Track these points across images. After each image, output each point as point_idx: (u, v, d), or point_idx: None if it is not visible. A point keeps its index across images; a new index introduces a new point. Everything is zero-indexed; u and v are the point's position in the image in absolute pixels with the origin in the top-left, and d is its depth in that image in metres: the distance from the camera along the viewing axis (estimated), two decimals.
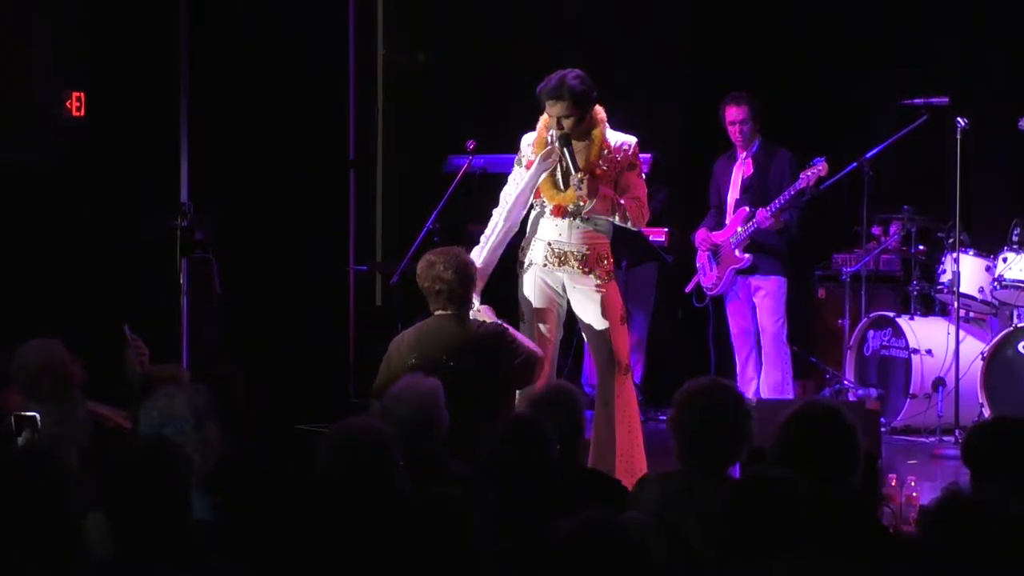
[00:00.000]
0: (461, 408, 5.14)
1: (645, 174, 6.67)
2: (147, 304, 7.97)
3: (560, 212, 6.50)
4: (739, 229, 8.44)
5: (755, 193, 8.46)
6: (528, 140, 6.60)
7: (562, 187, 6.48)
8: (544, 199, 6.53)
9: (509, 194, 6.59)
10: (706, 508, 3.91)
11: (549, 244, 6.53)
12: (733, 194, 8.57)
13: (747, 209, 8.43)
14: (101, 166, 8.45)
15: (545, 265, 6.53)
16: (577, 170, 6.39)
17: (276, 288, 9.05)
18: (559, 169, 6.49)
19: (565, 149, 6.41)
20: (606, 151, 6.46)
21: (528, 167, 6.53)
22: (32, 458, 3.58)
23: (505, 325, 6.12)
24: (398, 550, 3.45)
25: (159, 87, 8.74)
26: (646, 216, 6.60)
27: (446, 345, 5.88)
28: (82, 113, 8.53)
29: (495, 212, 6.62)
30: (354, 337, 9.69)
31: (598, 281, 6.52)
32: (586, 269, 6.51)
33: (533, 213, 6.62)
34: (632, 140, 6.53)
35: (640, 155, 6.63)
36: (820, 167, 8.25)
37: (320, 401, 8.37)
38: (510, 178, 6.65)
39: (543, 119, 6.52)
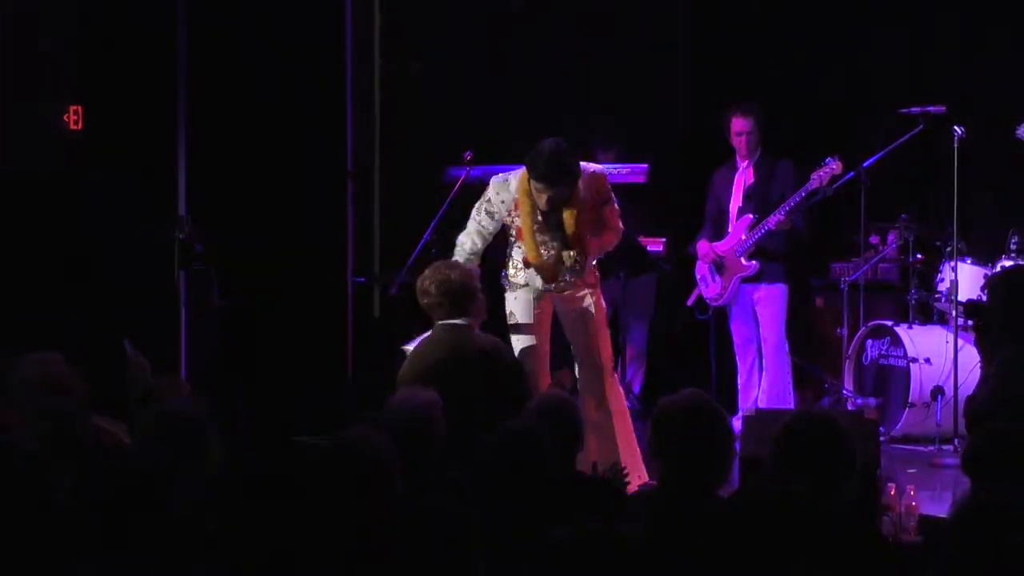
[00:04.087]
0: (460, 417, 5.17)
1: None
2: (146, 316, 7.98)
3: (553, 278, 6.56)
4: (743, 237, 8.44)
5: (758, 201, 8.46)
6: (502, 196, 6.60)
7: (547, 257, 6.53)
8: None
9: (472, 244, 6.64)
10: (690, 528, 3.93)
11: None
12: (735, 202, 8.57)
13: (751, 216, 8.43)
14: (99, 179, 8.46)
15: (543, 288, 6.61)
16: (568, 246, 6.47)
17: (274, 300, 9.05)
18: (549, 245, 6.54)
19: (553, 229, 6.48)
20: (584, 210, 6.51)
21: (504, 222, 6.57)
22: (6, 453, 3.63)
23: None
24: (395, 559, 3.46)
25: (157, 100, 8.75)
26: (621, 236, 6.75)
27: (443, 353, 5.97)
28: (80, 126, 8.53)
29: (457, 254, 6.68)
30: (352, 349, 9.68)
31: (585, 292, 6.62)
32: (581, 284, 6.59)
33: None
34: (599, 170, 6.63)
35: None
36: (833, 166, 8.27)
37: (318, 413, 8.36)
38: (477, 220, 6.67)
39: (519, 181, 6.52)
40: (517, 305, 6.67)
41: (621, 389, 6.88)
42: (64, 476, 3.88)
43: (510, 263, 6.73)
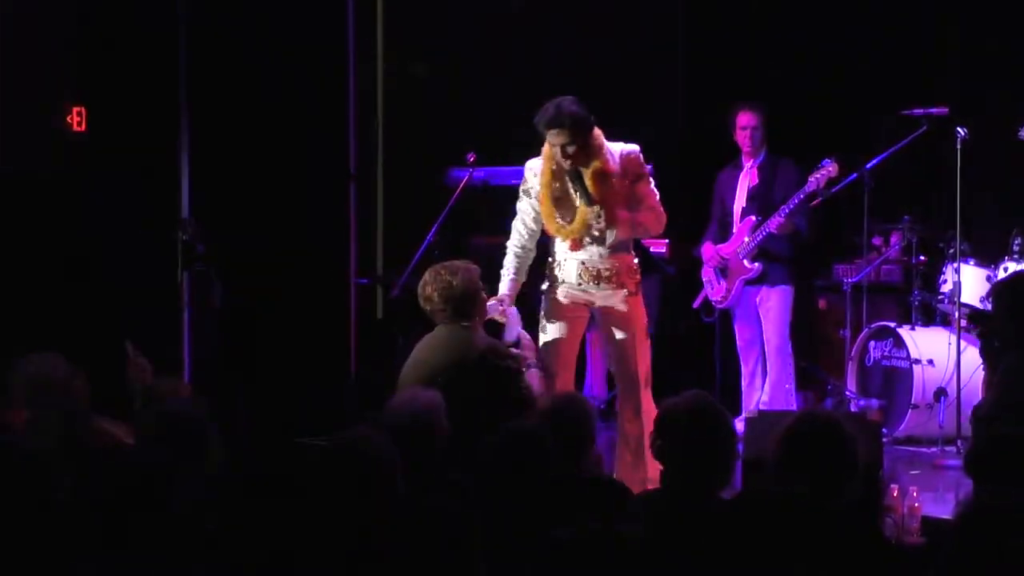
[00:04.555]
0: (462, 418, 5.16)
1: None
2: (147, 317, 7.97)
3: (577, 245, 6.51)
4: (746, 239, 8.43)
5: (762, 202, 8.45)
6: (534, 169, 6.59)
7: (566, 221, 6.48)
8: (557, 238, 6.56)
9: (519, 231, 6.63)
10: (693, 529, 3.92)
11: (583, 263, 6.54)
12: (739, 203, 8.56)
13: (754, 218, 8.42)
14: (102, 180, 8.46)
15: (580, 284, 6.55)
16: (591, 203, 6.40)
17: (277, 301, 9.04)
18: (566, 204, 6.49)
19: (576, 183, 6.41)
20: (613, 175, 6.45)
21: (539, 199, 6.54)
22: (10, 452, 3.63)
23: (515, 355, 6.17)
24: (396, 560, 3.45)
25: (159, 101, 8.75)
26: (663, 222, 6.65)
27: (445, 354, 5.98)
28: (83, 128, 8.53)
29: (509, 244, 6.66)
30: (355, 350, 9.67)
31: (628, 295, 6.55)
32: (619, 284, 6.53)
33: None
34: (634, 148, 6.53)
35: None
36: (830, 168, 8.25)
37: (321, 415, 8.35)
38: (518, 207, 6.66)
39: (546, 148, 6.50)
40: (548, 303, 6.64)
41: (652, 403, 6.68)
42: (64, 476, 3.87)
43: (549, 258, 6.69)
